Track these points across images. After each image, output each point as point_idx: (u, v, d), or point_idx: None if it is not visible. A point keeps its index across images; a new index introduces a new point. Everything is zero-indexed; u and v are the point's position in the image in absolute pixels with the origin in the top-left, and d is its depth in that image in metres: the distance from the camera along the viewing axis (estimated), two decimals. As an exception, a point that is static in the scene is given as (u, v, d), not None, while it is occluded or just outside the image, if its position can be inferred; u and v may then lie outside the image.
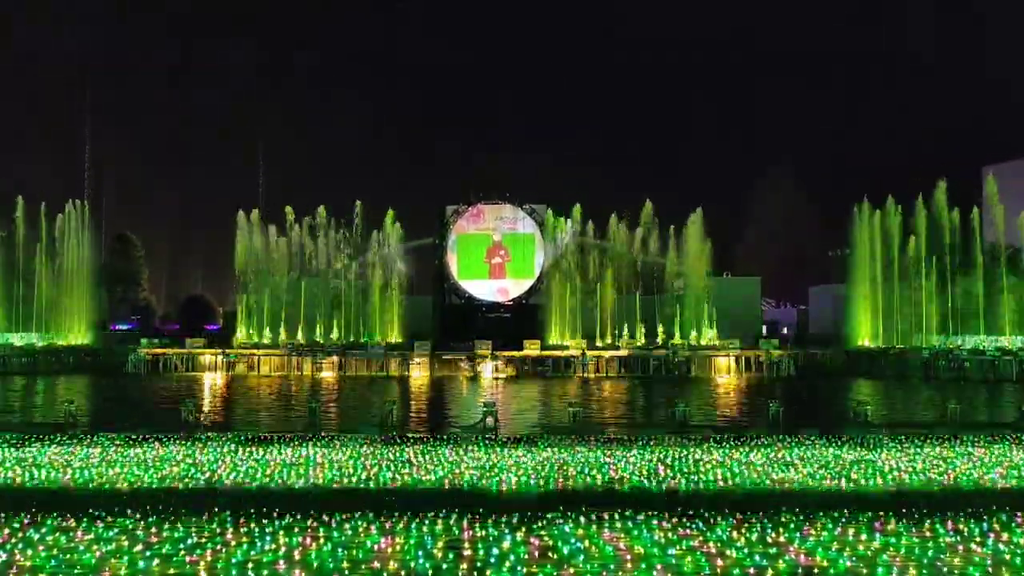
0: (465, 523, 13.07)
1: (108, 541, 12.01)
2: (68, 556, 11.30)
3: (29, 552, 11.44)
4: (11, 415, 31.68)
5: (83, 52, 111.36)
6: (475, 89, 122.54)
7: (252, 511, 13.64)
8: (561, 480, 16.53)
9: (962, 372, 51.07)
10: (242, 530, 12.62)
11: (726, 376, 54.07)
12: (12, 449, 20.20)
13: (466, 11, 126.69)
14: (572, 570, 10.92)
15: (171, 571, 10.79)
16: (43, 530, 12.54)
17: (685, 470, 17.66)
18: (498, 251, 74.39)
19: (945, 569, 11.07)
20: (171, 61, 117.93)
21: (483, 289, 73.77)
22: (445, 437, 22.68)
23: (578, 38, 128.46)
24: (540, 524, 13.08)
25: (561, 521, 13.24)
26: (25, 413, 32.79)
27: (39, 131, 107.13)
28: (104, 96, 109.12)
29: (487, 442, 21.68)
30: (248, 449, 20.47)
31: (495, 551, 11.58)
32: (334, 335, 63.12)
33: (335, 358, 56.85)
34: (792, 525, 12.99)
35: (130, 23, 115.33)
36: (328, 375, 54.75)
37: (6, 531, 12.49)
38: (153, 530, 12.57)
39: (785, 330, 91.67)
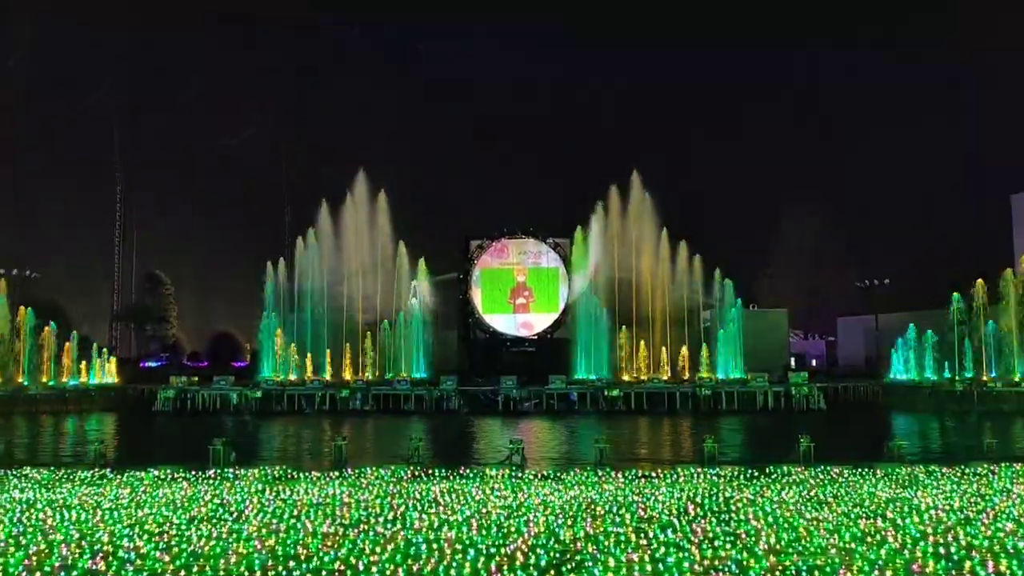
0: (493, 566, 12.89)
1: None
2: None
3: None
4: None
5: (114, 88, 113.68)
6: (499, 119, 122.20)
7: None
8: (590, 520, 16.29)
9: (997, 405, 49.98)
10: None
11: (754, 410, 53.22)
12: (44, 490, 20.37)
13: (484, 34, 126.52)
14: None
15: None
16: (74, 573, 12.58)
17: (716, 509, 17.35)
18: (522, 292, 74.26)
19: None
20: (200, 95, 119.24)
21: (507, 324, 73.64)
22: (471, 474, 22.55)
23: (590, 61, 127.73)
24: (570, 567, 12.87)
25: (591, 564, 13.02)
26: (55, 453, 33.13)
27: (71, 169, 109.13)
28: (134, 133, 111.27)
29: (513, 479, 21.52)
30: (275, 488, 20.46)
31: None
32: (360, 372, 63.34)
33: (360, 394, 56.86)
34: (828, 568, 12.67)
35: (162, 60, 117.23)
36: (355, 410, 54.71)
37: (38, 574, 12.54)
38: (182, 574, 12.56)
39: (814, 362, 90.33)
